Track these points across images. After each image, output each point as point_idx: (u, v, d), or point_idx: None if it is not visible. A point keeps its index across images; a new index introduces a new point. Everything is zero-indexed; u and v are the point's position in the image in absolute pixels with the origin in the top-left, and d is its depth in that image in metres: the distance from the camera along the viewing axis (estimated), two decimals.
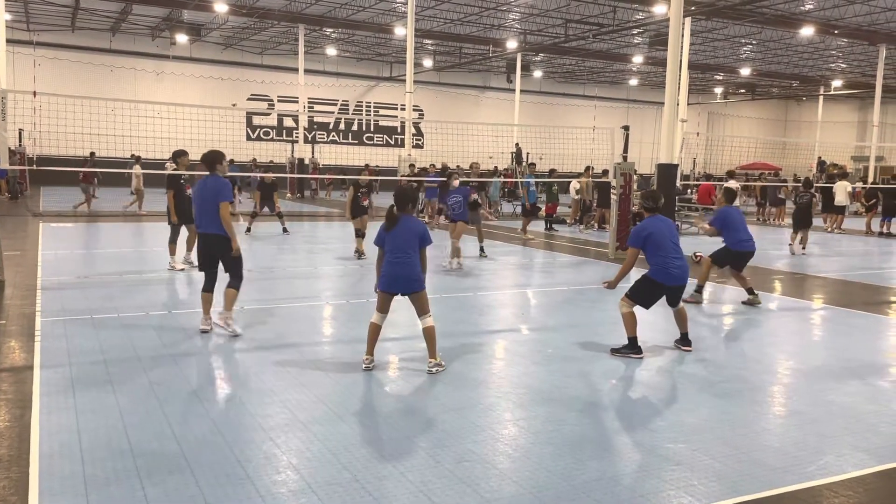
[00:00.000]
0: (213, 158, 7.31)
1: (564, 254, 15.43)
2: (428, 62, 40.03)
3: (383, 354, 6.99)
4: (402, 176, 21.96)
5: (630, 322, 7.00)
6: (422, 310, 6.27)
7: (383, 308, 6.32)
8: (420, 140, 40.98)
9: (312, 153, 35.51)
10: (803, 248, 16.33)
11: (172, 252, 11.42)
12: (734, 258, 9.88)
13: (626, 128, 34.76)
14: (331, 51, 38.48)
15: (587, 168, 21.65)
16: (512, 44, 33.90)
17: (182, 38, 33.49)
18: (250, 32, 35.11)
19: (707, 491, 4.12)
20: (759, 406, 5.80)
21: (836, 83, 44.38)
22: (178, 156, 11.17)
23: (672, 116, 14.91)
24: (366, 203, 13.52)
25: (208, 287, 7.46)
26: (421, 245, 6.22)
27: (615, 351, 7.05)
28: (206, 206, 7.18)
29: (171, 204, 11.18)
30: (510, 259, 14.43)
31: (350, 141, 42.45)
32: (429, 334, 6.29)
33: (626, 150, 32.91)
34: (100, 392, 5.50)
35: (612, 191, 15.37)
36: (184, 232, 11.44)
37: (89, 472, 4.13)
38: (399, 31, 30.75)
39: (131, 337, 7.19)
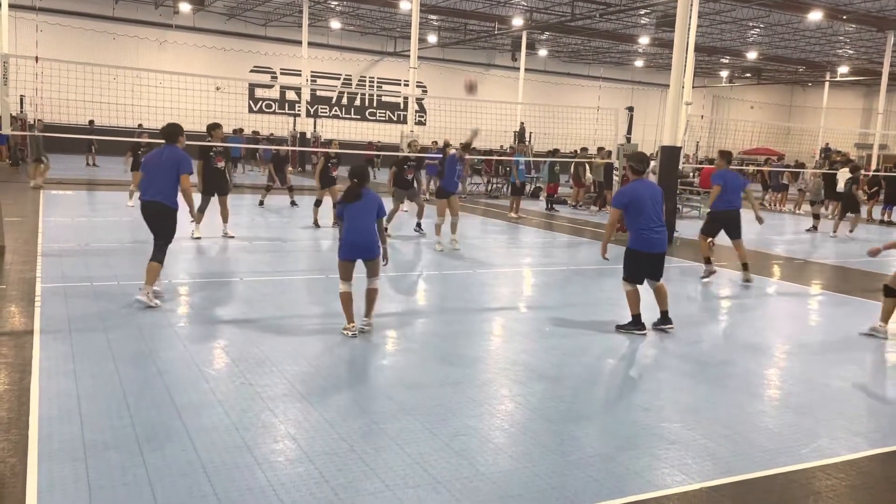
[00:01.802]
0: (174, 131, 7.43)
1: (564, 234, 15.41)
2: (433, 38, 39.68)
3: (382, 329, 7.02)
4: (403, 152, 21.86)
5: (632, 300, 7.08)
6: (373, 272, 6.70)
7: (348, 276, 6.62)
8: (423, 116, 40.76)
9: (314, 127, 35.34)
10: (850, 231, 17.10)
11: (199, 221, 11.53)
12: (720, 220, 10.02)
13: (631, 109, 34.59)
14: (335, 24, 38.11)
15: (599, 149, 21.25)
16: (518, 21, 33.60)
17: (185, 6, 33.13)
18: (254, 3, 34.75)
19: (701, 470, 4.15)
20: (755, 388, 5.83)
21: (843, 69, 44.07)
22: (213, 128, 11.76)
23: (677, 99, 14.80)
24: (335, 174, 13.64)
25: (156, 257, 7.30)
26: (378, 216, 6.63)
27: (620, 327, 7.17)
28: (159, 174, 7.19)
29: (200, 174, 11.53)
30: (508, 238, 14.44)
31: (352, 116, 42.23)
32: (372, 296, 6.73)
33: (629, 131, 32.72)
34: (99, 358, 5.52)
35: (614, 172, 15.33)
36: (215, 205, 11.68)
37: (88, 436, 4.16)
38: (404, 5, 30.43)
39: (131, 304, 7.20)
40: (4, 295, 7.39)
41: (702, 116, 34.85)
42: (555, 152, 22.38)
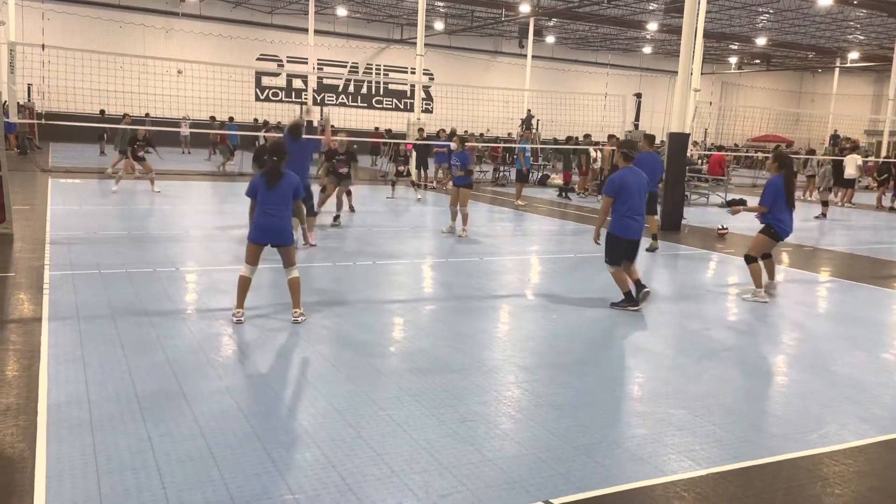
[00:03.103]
0: (298, 131, 9.95)
1: (571, 222, 15.38)
2: (439, 25, 39.49)
3: (388, 316, 7.03)
4: (412, 140, 21.83)
5: (620, 280, 7.44)
6: (289, 262, 6.46)
7: (254, 260, 6.43)
8: (430, 104, 40.65)
9: (321, 115, 35.30)
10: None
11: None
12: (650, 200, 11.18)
13: (639, 96, 34.41)
14: (341, 11, 37.99)
15: (610, 136, 21.09)
16: (525, 8, 33.40)
17: None
18: None
19: (708, 456, 4.15)
20: (762, 374, 5.82)
21: (853, 55, 43.68)
22: (264, 125, 12.23)
23: (685, 85, 14.71)
24: (343, 170, 13.03)
25: (311, 213, 10.44)
26: (295, 198, 6.48)
27: (614, 304, 7.47)
28: (296, 161, 9.03)
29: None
30: (514, 226, 14.42)
31: (359, 104, 42.15)
32: (294, 286, 6.47)
33: (637, 118, 32.60)
34: (107, 345, 5.55)
35: None
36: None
37: (97, 422, 4.19)
38: None
39: (138, 292, 7.24)
40: (13, 282, 7.43)
41: (710, 103, 34.64)
42: (569, 140, 22.25)
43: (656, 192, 11.83)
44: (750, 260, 8.27)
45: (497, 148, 26.87)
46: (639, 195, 7.36)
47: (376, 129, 33.21)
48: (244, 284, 6.40)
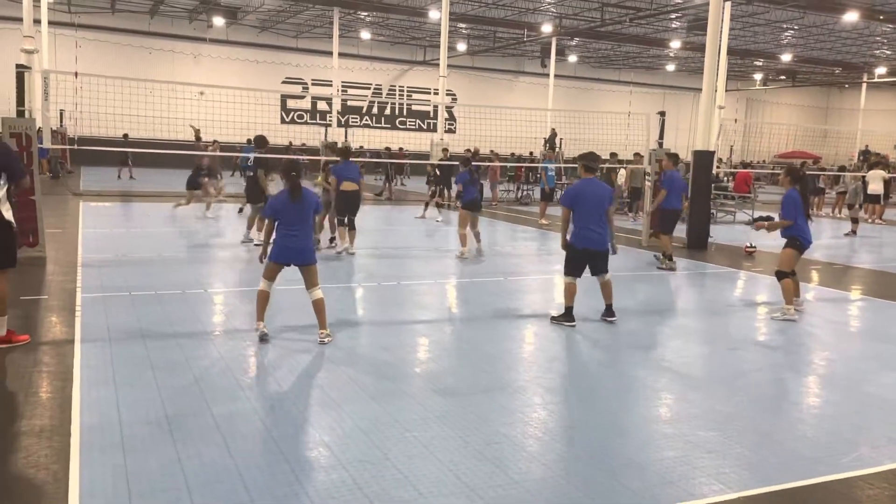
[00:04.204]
0: (347, 153, 11.61)
1: None
2: (462, 46, 39.83)
3: (413, 336, 7.05)
4: (436, 160, 21.93)
5: (567, 293, 7.54)
6: (311, 282, 6.48)
7: (272, 277, 6.51)
8: (452, 125, 40.88)
9: (346, 137, 35.66)
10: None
11: (260, 229, 11.48)
12: (671, 217, 11.45)
13: (663, 114, 34.29)
14: (365, 34, 38.48)
15: (636, 154, 20.97)
16: (547, 28, 33.57)
17: (219, 20, 33.74)
18: (286, 16, 35.26)
19: (739, 479, 4.09)
20: (793, 396, 5.74)
21: (881, 70, 43.23)
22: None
23: (709, 103, 14.66)
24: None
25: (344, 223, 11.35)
26: (315, 213, 6.59)
27: (554, 319, 7.58)
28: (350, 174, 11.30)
29: (263, 183, 11.83)
30: (540, 245, 14.40)
31: (383, 125, 42.52)
32: (319, 306, 6.50)
33: (661, 136, 32.45)
34: (138, 367, 5.63)
35: (646, 177, 15.20)
36: (248, 210, 12.36)
37: (128, 444, 4.24)
38: (433, 14, 30.65)
39: (167, 313, 7.34)
40: (46, 305, 7.57)
41: (735, 120, 34.46)
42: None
43: (679, 211, 11.76)
44: (782, 276, 8.19)
45: (519, 167, 26.91)
46: (595, 207, 7.42)
47: (400, 149, 33.44)
48: (263, 298, 6.51)
